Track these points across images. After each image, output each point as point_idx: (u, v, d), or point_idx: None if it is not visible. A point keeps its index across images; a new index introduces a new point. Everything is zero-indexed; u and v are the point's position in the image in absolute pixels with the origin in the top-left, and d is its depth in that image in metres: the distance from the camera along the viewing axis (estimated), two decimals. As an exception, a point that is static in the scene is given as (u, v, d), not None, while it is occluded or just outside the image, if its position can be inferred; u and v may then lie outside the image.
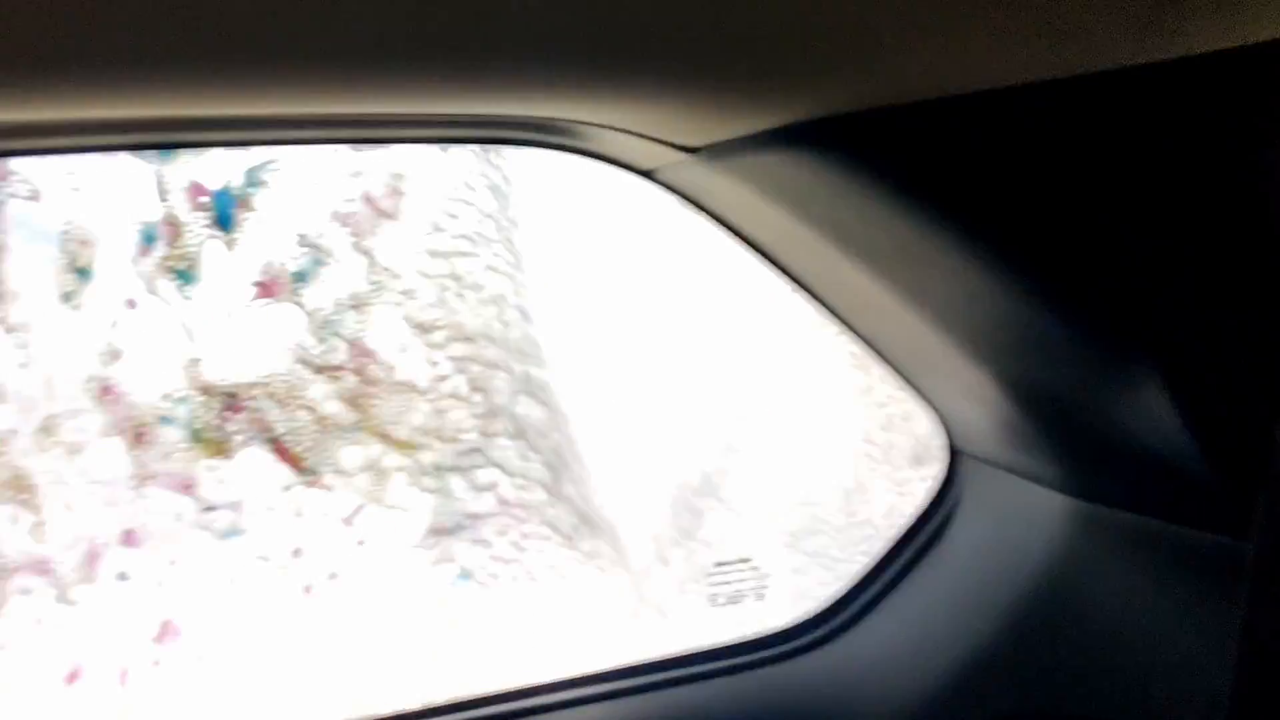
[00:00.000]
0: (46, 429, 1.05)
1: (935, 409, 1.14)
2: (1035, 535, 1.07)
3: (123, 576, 1.09)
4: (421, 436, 1.13)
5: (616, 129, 1.00)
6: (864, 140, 0.87)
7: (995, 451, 1.10)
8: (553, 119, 1.01)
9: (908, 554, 1.14)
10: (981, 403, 1.05)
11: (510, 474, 1.15)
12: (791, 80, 0.79)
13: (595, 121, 0.99)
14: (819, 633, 1.14)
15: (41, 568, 1.08)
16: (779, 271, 1.10)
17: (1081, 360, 1.01)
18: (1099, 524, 1.07)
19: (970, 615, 1.08)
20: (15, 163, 0.99)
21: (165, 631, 1.12)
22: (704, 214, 1.10)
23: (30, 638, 1.10)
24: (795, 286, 1.11)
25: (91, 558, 1.08)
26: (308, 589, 1.13)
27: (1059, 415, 1.04)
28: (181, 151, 1.01)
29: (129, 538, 1.08)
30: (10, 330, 1.02)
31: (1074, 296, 0.96)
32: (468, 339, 1.11)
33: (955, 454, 1.16)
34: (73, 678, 1.11)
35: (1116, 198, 0.92)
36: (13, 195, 1.00)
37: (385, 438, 1.11)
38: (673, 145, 1.00)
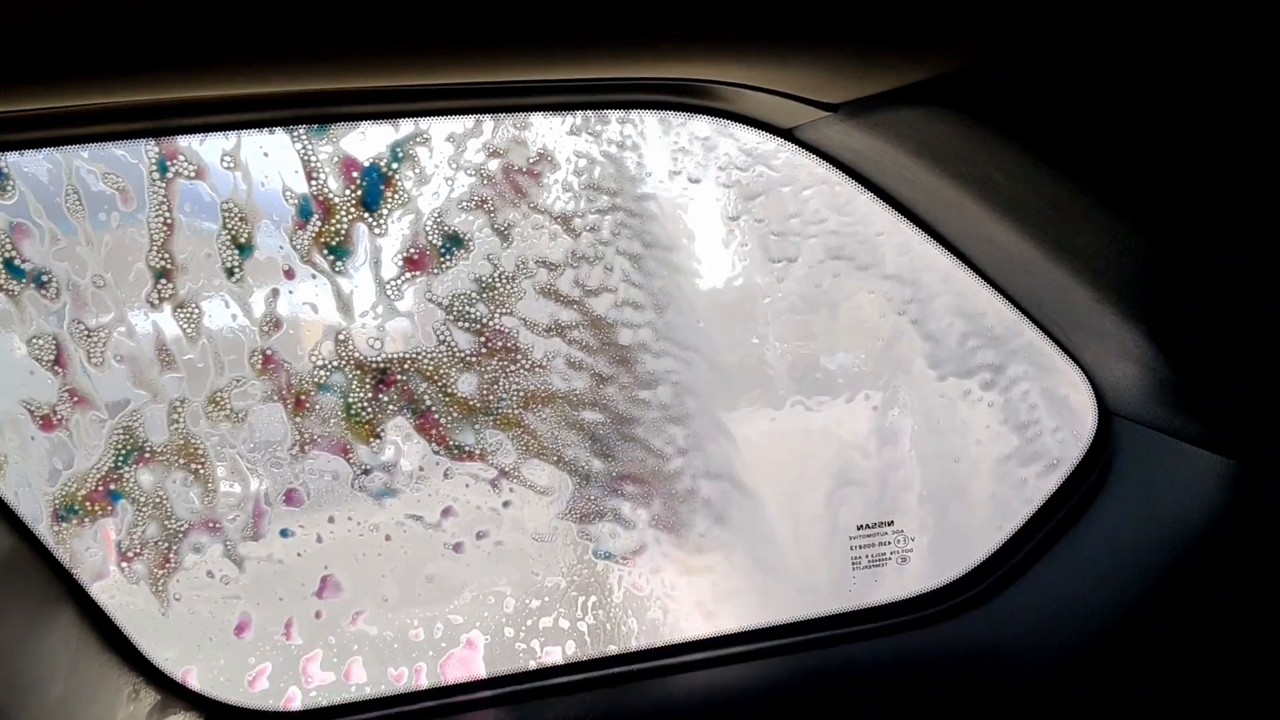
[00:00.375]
0: (214, 397, 1.10)
1: (1086, 370, 1.11)
2: (1191, 497, 1.04)
3: (285, 533, 1.15)
4: (559, 416, 1.15)
5: (757, 88, 0.99)
6: (1011, 92, 0.85)
7: (1148, 413, 1.06)
8: (693, 80, 1.00)
9: (1059, 517, 1.12)
10: (1135, 362, 1.02)
11: (650, 458, 1.16)
12: (935, 33, 0.77)
13: (735, 81, 0.99)
14: (971, 594, 1.14)
15: (211, 526, 1.14)
16: (922, 229, 1.07)
17: (1242, 316, 0.96)
18: (1257, 485, 1.03)
19: (1124, 577, 1.06)
20: (180, 141, 1.02)
21: (325, 586, 1.18)
22: (844, 171, 1.08)
23: (201, 592, 1.17)
24: (940, 245, 1.08)
25: (257, 516, 1.14)
26: (457, 547, 1.17)
27: (1217, 374, 1.00)
28: (333, 126, 1.04)
29: (290, 497, 1.14)
30: (179, 305, 1.07)
31: (1235, 250, 0.92)
32: (604, 321, 1.12)
33: (1106, 416, 1.13)
34: (241, 629, 1.19)
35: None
36: (178, 174, 1.04)
37: (524, 416, 1.13)
38: (813, 103, 0.98)
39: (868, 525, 1.19)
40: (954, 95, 0.84)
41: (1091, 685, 1.07)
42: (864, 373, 1.19)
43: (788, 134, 1.06)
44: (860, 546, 1.19)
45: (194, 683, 1.18)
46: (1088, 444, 1.14)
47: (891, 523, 1.19)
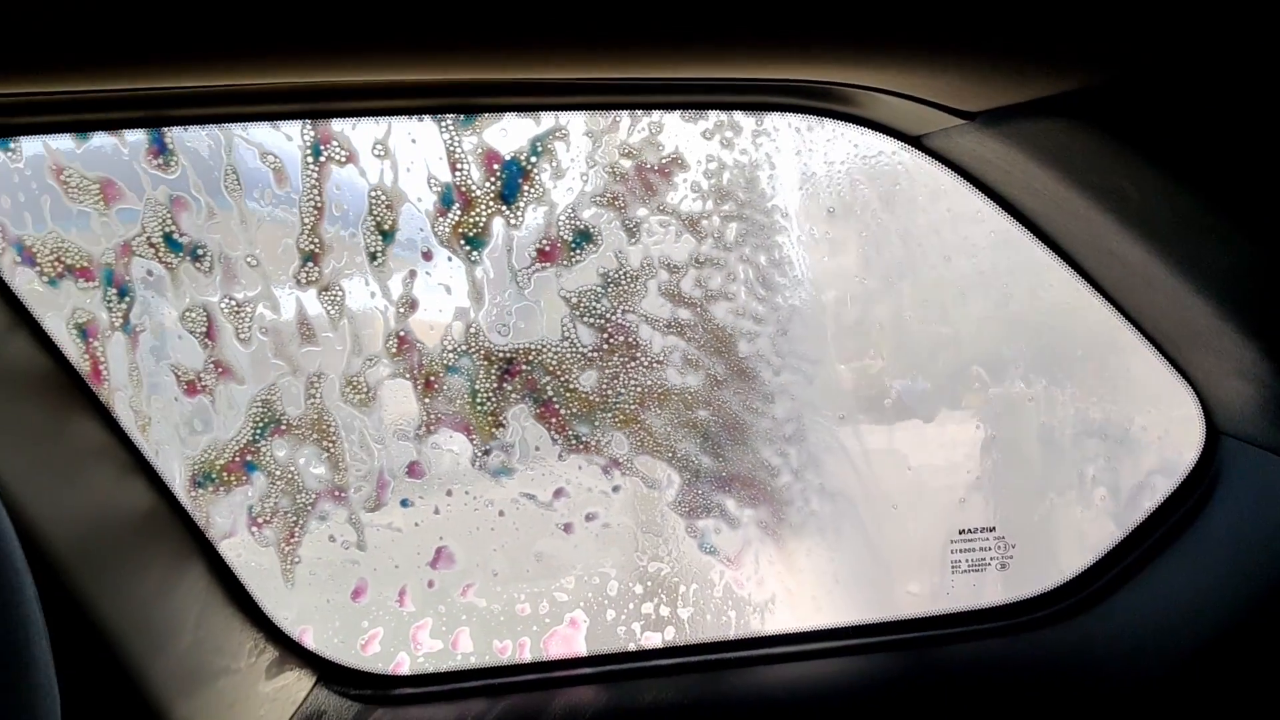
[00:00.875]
0: (350, 376, 1.16)
1: (1197, 388, 1.12)
2: (1300, 518, 1.03)
3: (405, 503, 1.20)
4: (673, 414, 1.18)
5: (892, 93, 1.00)
6: (1152, 106, 0.86)
7: (1259, 431, 1.07)
8: (825, 83, 1.02)
9: (1161, 532, 1.13)
10: (1249, 381, 1.03)
11: (760, 460, 1.19)
12: (1082, 45, 0.78)
13: (871, 85, 1.00)
14: (1070, 603, 1.15)
15: (338, 496, 1.20)
16: (1045, 241, 1.09)
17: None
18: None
19: (1226, 595, 1.07)
20: (335, 124, 1.08)
21: (439, 556, 1.23)
22: (969, 180, 1.10)
23: (323, 555, 1.23)
24: (1061, 257, 1.10)
25: (380, 487, 1.20)
26: (566, 527, 1.22)
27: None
28: (478, 116, 1.09)
29: (413, 470, 1.19)
30: (325, 288, 1.13)
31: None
32: (724, 328, 1.15)
33: (1214, 433, 1.14)
34: (358, 594, 1.25)
35: None
36: (330, 158, 1.09)
37: (640, 413, 1.17)
38: (950, 110, 1.00)
39: (969, 530, 1.21)
40: (1095, 108, 0.86)
41: (1189, 701, 1.08)
42: (975, 392, 1.21)
43: (915, 141, 1.08)
44: (961, 551, 1.21)
45: (309, 642, 1.24)
46: (1194, 461, 1.15)
47: (993, 528, 1.21)
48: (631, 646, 1.25)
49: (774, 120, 1.14)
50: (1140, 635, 1.12)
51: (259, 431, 1.16)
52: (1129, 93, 0.84)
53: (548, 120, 1.12)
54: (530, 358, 1.17)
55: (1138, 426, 1.23)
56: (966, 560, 1.23)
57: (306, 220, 1.11)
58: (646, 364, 1.18)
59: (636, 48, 0.84)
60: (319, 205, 1.11)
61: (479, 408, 1.17)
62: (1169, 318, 1.07)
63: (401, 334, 1.15)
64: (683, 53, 0.87)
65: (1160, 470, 1.21)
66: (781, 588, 1.25)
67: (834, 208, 1.19)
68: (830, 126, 1.14)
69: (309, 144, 1.09)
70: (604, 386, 1.18)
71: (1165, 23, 0.73)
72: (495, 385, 1.17)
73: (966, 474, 1.25)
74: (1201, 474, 1.16)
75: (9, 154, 1.07)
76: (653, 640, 1.25)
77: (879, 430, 1.23)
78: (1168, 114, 0.85)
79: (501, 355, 1.16)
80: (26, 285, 1.06)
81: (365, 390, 1.17)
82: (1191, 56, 0.78)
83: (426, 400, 1.17)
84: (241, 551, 1.19)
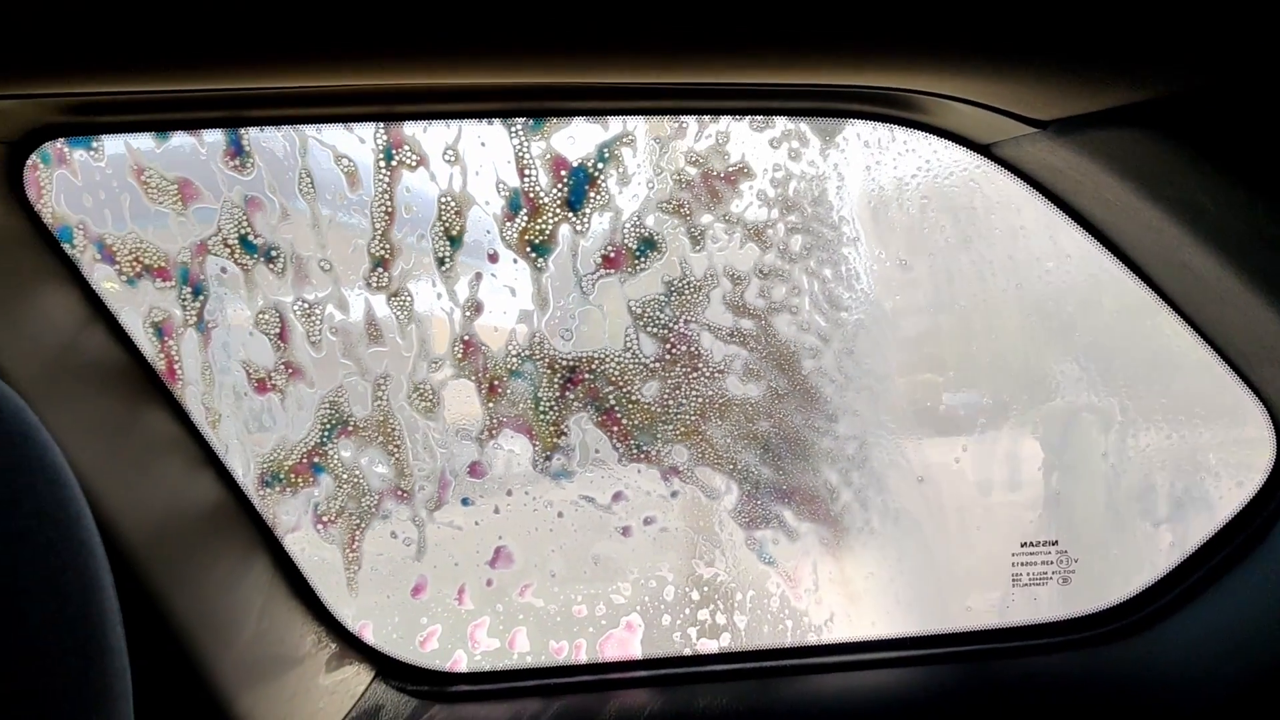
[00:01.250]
0: (416, 380, 1.18)
1: (1267, 404, 1.10)
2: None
3: (466, 502, 1.22)
4: (734, 426, 1.19)
5: (963, 100, 1.00)
6: (1232, 118, 0.84)
7: (1332, 452, 1.05)
8: (895, 89, 1.02)
9: (1227, 550, 1.12)
10: (1325, 399, 1.01)
11: (820, 475, 1.19)
12: (1160, 54, 0.78)
13: (943, 93, 1.00)
14: (1127, 621, 1.14)
15: (401, 495, 1.22)
16: (1115, 253, 1.08)
17: None
18: None
19: (1294, 616, 1.05)
20: (408, 128, 1.10)
21: (498, 556, 1.25)
22: (1038, 190, 1.09)
23: (384, 552, 1.25)
24: (1131, 269, 1.09)
25: (442, 487, 1.22)
26: (625, 531, 1.23)
27: None
28: (547, 121, 1.10)
29: (474, 469, 1.21)
30: (394, 294, 1.15)
31: None
32: (787, 340, 1.16)
33: (1286, 452, 1.12)
34: (417, 591, 1.26)
35: None
36: (402, 162, 1.11)
37: (700, 424, 1.18)
38: (1023, 119, 0.99)
39: (1031, 543, 1.21)
40: (1170, 119, 0.85)
41: (1252, 721, 1.07)
42: (1039, 407, 1.20)
43: (985, 149, 1.07)
44: (1022, 564, 1.21)
45: (369, 637, 1.26)
46: (1264, 479, 1.14)
47: (1056, 542, 1.20)
48: (687, 651, 1.25)
49: (843, 131, 1.14)
50: (1204, 656, 1.11)
51: (326, 433, 1.18)
52: (1205, 103, 0.83)
53: (615, 126, 1.13)
54: (593, 367, 1.18)
55: (1205, 444, 1.22)
56: (1028, 574, 1.22)
57: (378, 224, 1.13)
58: (708, 375, 1.18)
59: (706, 52, 0.85)
60: (390, 209, 1.13)
61: (541, 415, 1.19)
62: (1241, 333, 1.06)
63: (466, 338, 1.17)
64: (752, 58, 0.87)
65: (1228, 487, 1.20)
66: (840, 602, 1.25)
67: (902, 222, 1.19)
68: (900, 138, 1.14)
69: (381, 148, 1.11)
70: (665, 397, 1.19)
71: (1244, 32, 0.72)
72: (558, 393, 1.18)
73: (1029, 488, 1.25)
74: (1270, 493, 1.14)
75: (91, 153, 1.09)
76: (708, 646, 1.26)
77: (941, 445, 1.23)
78: (1245, 125, 0.84)
79: (564, 363, 1.18)
80: (105, 281, 1.09)
81: (430, 393, 1.18)
82: (1271, 66, 0.77)
83: (490, 404, 1.19)
84: (305, 546, 1.22)
